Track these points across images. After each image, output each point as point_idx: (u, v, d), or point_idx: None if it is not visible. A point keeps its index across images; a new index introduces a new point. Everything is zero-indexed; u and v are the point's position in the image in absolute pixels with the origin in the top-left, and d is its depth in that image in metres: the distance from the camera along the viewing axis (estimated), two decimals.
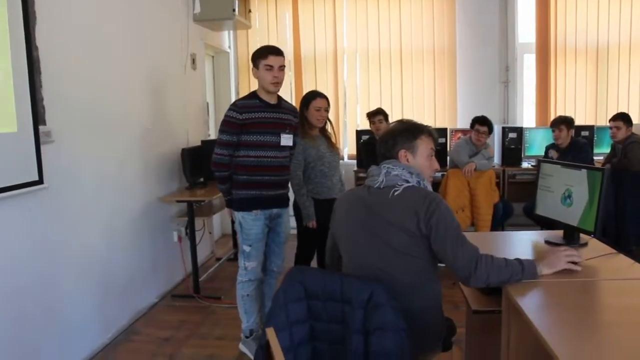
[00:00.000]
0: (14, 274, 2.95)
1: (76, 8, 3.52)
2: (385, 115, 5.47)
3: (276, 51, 3.36)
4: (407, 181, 2.11)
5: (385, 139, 2.23)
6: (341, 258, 2.32)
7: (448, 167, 5.56)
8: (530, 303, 1.94)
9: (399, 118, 2.47)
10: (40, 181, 3.07)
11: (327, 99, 3.90)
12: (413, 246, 2.06)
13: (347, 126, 6.90)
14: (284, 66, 3.38)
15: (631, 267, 2.33)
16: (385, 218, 2.07)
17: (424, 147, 2.21)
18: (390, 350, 1.82)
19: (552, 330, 1.68)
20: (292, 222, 3.88)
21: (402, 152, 2.18)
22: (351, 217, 2.21)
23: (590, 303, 1.99)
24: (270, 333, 1.49)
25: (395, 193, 2.08)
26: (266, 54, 3.32)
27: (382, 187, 2.13)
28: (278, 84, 3.37)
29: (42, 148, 3.07)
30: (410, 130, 2.21)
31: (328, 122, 3.98)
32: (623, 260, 2.42)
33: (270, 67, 3.32)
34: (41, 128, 3.08)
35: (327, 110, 3.88)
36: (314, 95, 3.89)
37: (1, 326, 2.84)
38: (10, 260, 2.92)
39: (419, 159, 2.20)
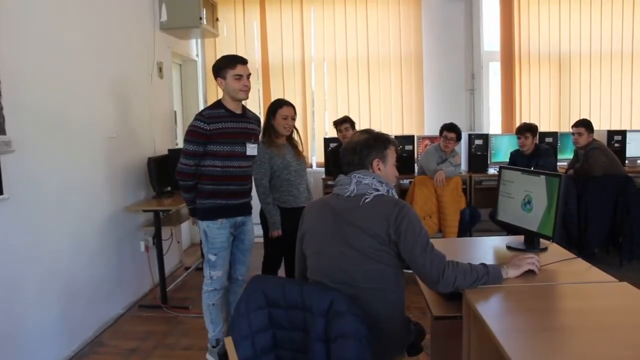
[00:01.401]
0: None
1: (38, 16, 3.47)
2: (352, 123, 5.50)
3: (243, 60, 3.37)
4: (377, 190, 2.16)
5: (356, 148, 2.24)
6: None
7: (416, 174, 5.61)
8: (489, 308, 1.97)
9: (365, 127, 2.49)
10: (0, 192, 3.02)
11: (293, 107, 3.91)
12: (380, 252, 2.08)
13: (315, 134, 6.92)
14: (250, 74, 3.40)
15: (588, 271, 2.38)
16: (355, 224, 2.10)
17: (391, 156, 2.29)
18: (352, 358, 1.83)
19: (509, 335, 1.70)
20: (258, 230, 3.87)
21: (375, 162, 2.23)
22: (320, 224, 2.23)
23: (547, 307, 2.02)
24: (229, 343, 1.49)
25: (366, 200, 2.12)
26: (234, 64, 3.32)
27: (352, 195, 2.16)
28: (246, 92, 3.37)
29: (2, 158, 3.03)
30: (381, 140, 2.27)
31: (295, 131, 3.99)
32: (581, 264, 2.48)
33: (239, 77, 3.32)
34: (0, 137, 3.03)
35: (293, 119, 3.89)
36: (280, 103, 3.90)
37: None
38: None
39: (388, 168, 2.27)
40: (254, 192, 3.71)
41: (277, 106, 3.87)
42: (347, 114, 5.88)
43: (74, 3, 3.91)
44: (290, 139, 3.98)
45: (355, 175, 2.19)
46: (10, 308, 3.16)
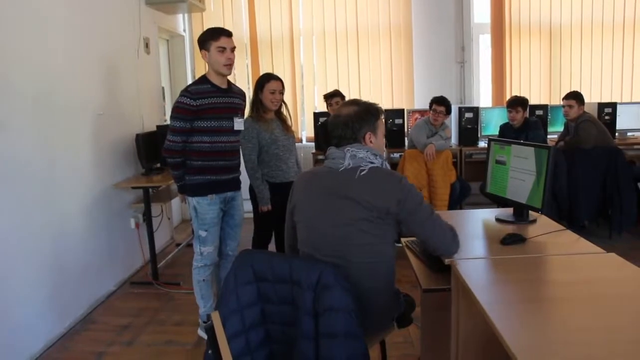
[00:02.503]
0: None
1: None
2: (343, 97, 5.44)
3: (227, 32, 3.31)
4: (372, 162, 2.14)
5: (348, 122, 2.19)
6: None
7: (406, 147, 5.60)
8: (477, 280, 1.97)
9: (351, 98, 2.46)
10: None
11: (281, 81, 3.87)
12: (374, 225, 2.07)
13: (304, 109, 6.87)
14: (235, 47, 3.35)
15: (576, 243, 2.39)
16: (349, 197, 2.08)
17: (381, 127, 2.26)
18: (341, 330, 1.83)
19: (497, 306, 1.71)
20: (247, 205, 3.86)
21: (367, 135, 2.20)
22: (311, 197, 2.21)
23: (535, 278, 2.03)
24: (215, 317, 1.49)
25: (362, 173, 2.10)
26: (218, 36, 3.27)
27: (345, 169, 2.14)
28: (231, 65, 3.34)
29: None
30: (371, 112, 2.23)
31: (283, 105, 3.96)
32: (569, 236, 2.48)
33: (222, 49, 3.27)
34: None
35: (281, 93, 3.85)
36: (268, 77, 3.86)
37: None
38: None
39: (379, 140, 2.25)
40: (242, 168, 3.69)
41: (265, 80, 3.83)
42: (336, 88, 5.83)
43: None
44: (278, 113, 3.94)
45: (348, 149, 2.16)
46: None
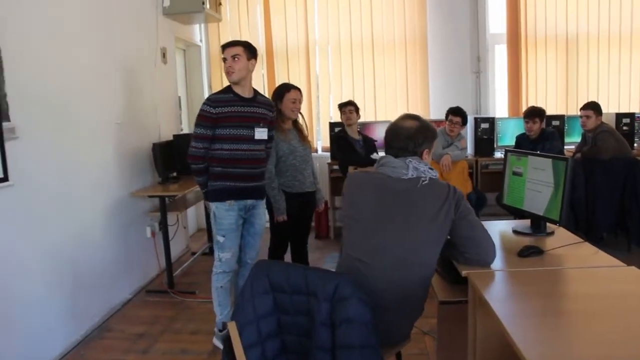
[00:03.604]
0: None
1: (39, 3, 3.45)
2: (356, 107, 5.48)
3: (227, 44, 3.45)
4: (431, 176, 2.22)
5: (411, 136, 2.25)
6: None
7: None
8: (495, 293, 1.96)
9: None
10: (5, 179, 3.02)
11: (300, 90, 3.92)
12: (434, 232, 2.15)
13: (320, 118, 6.88)
14: (239, 55, 3.40)
15: (595, 255, 2.37)
16: (413, 205, 2.16)
17: (435, 147, 2.39)
18: (357, 342, 1.82)
19: (515, 319, 1.70)
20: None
21: (426, 151, 2.29)
22: (374, 201, 2.24)
23: (553, 291, 2.01)
24: (232, 327, 1.49)
25: (423, 183, 2.17)
26: (222, 49, 3.45)
27: (407, 178, 2.20)
28: (231, 73, 3.41)
29: (7, 145, 3.02)
30: (432, 132, 2.33)
31: (300, 115, 3.99)
32: (588, 249, 2.46)
33: (224, 60, 3.42)
34: (5, 124, 3.03)
35: (300, 102, 3.91)
36: (287, 87, 3.92)
37: None
38: None
39: (430, 157, 2.34)
40: None
41: (285, 90, 3.88)
42: (351, 98, 5.85)
43: None
44: (295, 123, 3.97)
45: (410, 161, 2.21)
46: (17, 294, 3.18)
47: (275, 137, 3.79)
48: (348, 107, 5.43)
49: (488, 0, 6.64)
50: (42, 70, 3.46)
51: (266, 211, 3.83)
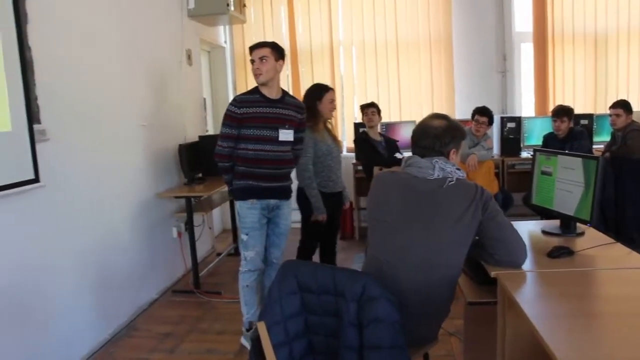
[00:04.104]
0: (12, 273, 2.95)
1: (68, 6, 3.50)
2: (378, 108, 5.45)
3: (255, 46, 3.48)
4: (458, 176, 2.20)
5: (438, 135, 2.24)
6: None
7: None
8: (525, 294, 1.94)
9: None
10: (36, 179, 3.07)
11: (334, 91, 4.00)
12: (460, 232, 2.12)
13: (344, 119, 6.87)
14: (267, 56, 3.42)
15: (628, 256, 2.32)
16: (439, 205, 2.14)
17: (462, 147, 2.36)
18: (385, 343, 1.82)
19: (546, 321, 1.67)
20: (295, 215, 3.91)
21: (452, 151, 2.27)
22: (400, 201, 2.23)
23: (585, 293, 1.98)
24: (261, 327, 1.49)
25: (450, 183, 2.15)
26: (250, 51, 3.48)
27: (433, 178, 2.18)
28: (258, 75, 3.44)
29: (37, 146, 3.07)
30: (460, 131, 2.32)
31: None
32: (620, 249, 2.41)
33: (252, 61, 3.45)
34: (36, 127, 3.08)
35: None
36: (326, 87, 3.98)
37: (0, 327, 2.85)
38: (7, 258, 2.92)
39: (457, 158, 2.31)
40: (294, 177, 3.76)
41: (323, 90, 3.94)
42: (376, 99, 5.83)
43: None
44: (325, 123, 4.00)
45: (436, 161, 2.20)
46: (46, 294, 3.23)
47: (314, 138, 3.83)
48: (370, 109, 5.41)
49: None
50: (71, 73, 3.51)
51: (293, 211, 3.85)
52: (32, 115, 3.06)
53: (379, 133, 5.50)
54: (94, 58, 3.78)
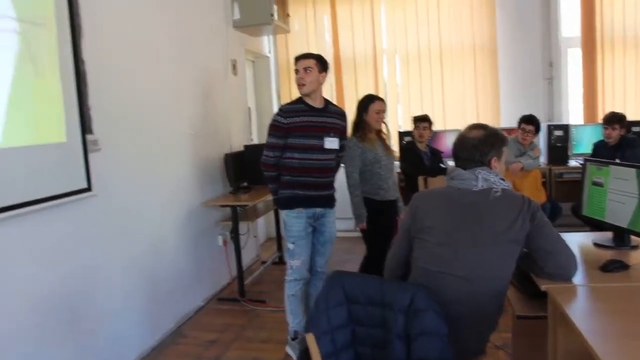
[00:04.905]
0: (64, 278, 3.04)
1: (121, 21, 3.61)
2: (430, 123, 5.35)
3: (300, 57, 3.52)
4: (503, 186, 2.18)
5: (477, 144, 2.23)
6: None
7: None
8: (578, 309, 1.90)
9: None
10: (88, 188, 3.16)
11: (384, 101, 4.01)
12: (507, 244, 2.10)
13: (389, 127, 6.82)
14: (311, 67, 3.46)
15: None
16: (485, 217, 2.13)
17: (506, 154, 2.31)
18: (434, 355, 1.80)
19: (602, 338, 1.63)
20: (340, 224, 3.95)
21: (493, 160, 2.24)
22: (444, 215, 2.22)
23: None
24: (310, 339, 1.50)
25: (496, 194, 2.14)
26: (295, 61, 3.52)
27: (477, 190, 2.17)
28: (302, 85, 3.47)
29: (90, 156, 3.17)
30: (499, 138, 2.29)
31: (383, 125, 4.06)
32: None
33: (297, 71, 3.49)
34: (88, 137, 3.18)
35: (384, 112, 3.99)
36: (372, 98, 4.00)
37: (51, 331, 2.93)
38: (60, 264, 3.02)
39: (501, 165, 2.29)
40: (340, 186, 3.77)
41: (369, 101, 3.96)
42: (419, 107, 5.76)
43: (152, 6, 4.04)
44: (379, 133, 4.02)
45: (479, 172, 2.19)
46: (96, 300, 3.32)
47: (362, 147, 3.87)
48: (422, 124, 5.30)
49: (560, 2, 6.43)
50: (122, 85, 3.61)
51: (339, 220, 3.87)
52: (85, 126, 3.16)
53: (426, 144, 5.43)
54: (144, 69, 3.88)
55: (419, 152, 5.30)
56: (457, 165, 2.29)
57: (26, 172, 2.73)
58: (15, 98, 2.64)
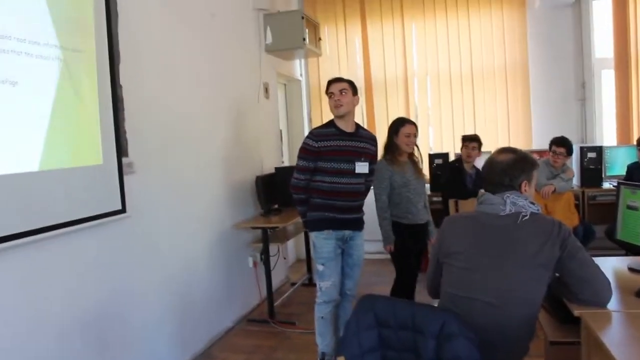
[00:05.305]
0: (98, 298, 3.11)
1: (158, 47, 3.72)
2: (480, 144, 5.32)
3: (334, 80, 3.58)
4: (532, 210, 2.17)
5: (507, 169, 2.23)
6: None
7: None
8: (613, 336, 1.86)
9: (505, 146, 2.50)
10: (123, 210, 3.24)
11: (415, 125, 4.00)
12: (537, 268, 2.08)
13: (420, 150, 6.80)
14: (346, 89, 3.51)
15: None
16: (513, 241, 2.11)
17: (536, 177, 2.30)
18: None
19: None
20: (368, 246, 3.96)
21: (524, 183, 2.23)
22: (471, 240, 2.22)
23: None
24: None
25: (524, 218, 2.13)
26: (328, 86, 3.58)
27: (505, 214, 2.16)
28: (339, 107, 3.51)
29: (125, 178, 3.25)
30: (529, 162, 2.27)
31: (415, 148, 4.05)
32: None
33: (331, 94, 3.52)
34: (124, 160, 3.27)
35: (415, 136, 3.97)
36: (402, 121, 4.00)
37: (83, 351, 2.98)
38: (95, 284, 3.08)
39: (532, 189, 2.27)
40: (369, 207, 3.77)
41: (400, 124, 3.96)
42: (450, 129, 5.71)
43: (188, 32, 4.14)
44: (410, 156, 4.02)
45: (508, 196, 2.18)
46: (133, 322, 3.38)
47: (391, 170, 3.87)
48: (472, 144, 5.27)
49: (593, 23, 6.38)
50: (157, 108, 3.70)
51: (367, 242, 3.87)
52: (121, 149, 3.25)
53: (473, 165, 5.37)
54: (178, 93, 3.97)
55: (464, 173, 5.26)
56: (486, 190, 2.28)
57: (65, 194, 2.81)
58: (56, 122, 2.73)
